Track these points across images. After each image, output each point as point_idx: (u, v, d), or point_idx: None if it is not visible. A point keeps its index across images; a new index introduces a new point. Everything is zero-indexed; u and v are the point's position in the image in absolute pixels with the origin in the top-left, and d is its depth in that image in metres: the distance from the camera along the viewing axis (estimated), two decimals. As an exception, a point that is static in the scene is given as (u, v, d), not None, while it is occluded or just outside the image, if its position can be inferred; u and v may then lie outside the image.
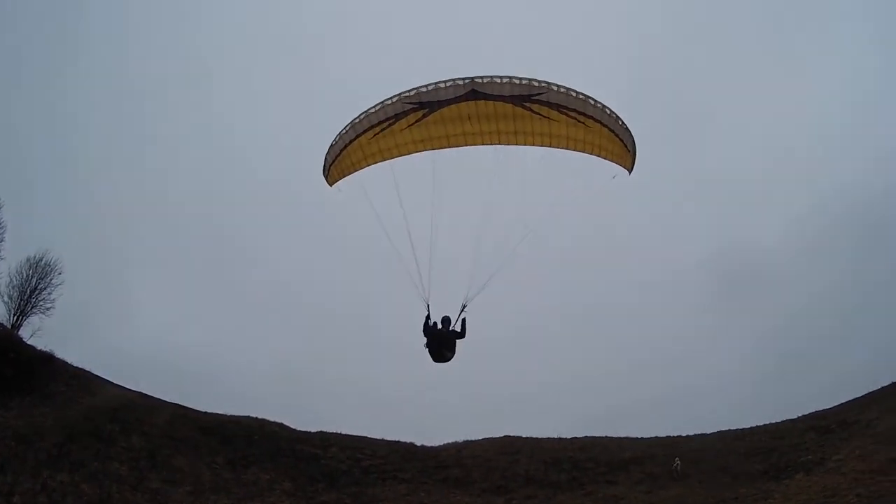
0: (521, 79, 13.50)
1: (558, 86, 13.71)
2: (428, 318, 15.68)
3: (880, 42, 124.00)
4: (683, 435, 36.29)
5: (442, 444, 36.72)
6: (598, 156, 14.89)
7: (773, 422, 36.03)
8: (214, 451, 28.38)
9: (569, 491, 30.66)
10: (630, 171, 15.26)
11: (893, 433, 28.07)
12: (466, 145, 14.68)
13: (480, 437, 37.31)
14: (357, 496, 31.25)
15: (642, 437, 36.41)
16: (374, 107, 14.25)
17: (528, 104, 13.98)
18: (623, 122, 14.25)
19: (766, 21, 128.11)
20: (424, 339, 15.48)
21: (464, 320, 15.76)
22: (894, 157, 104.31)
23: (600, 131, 14.34)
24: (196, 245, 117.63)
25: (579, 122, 14.18)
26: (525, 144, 14.60)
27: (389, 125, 14.43)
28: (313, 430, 34.37)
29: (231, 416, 33.49)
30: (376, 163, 15.34)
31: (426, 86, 13.75)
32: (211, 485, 25.72)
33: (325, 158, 15.63)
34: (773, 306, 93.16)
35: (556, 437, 37.11)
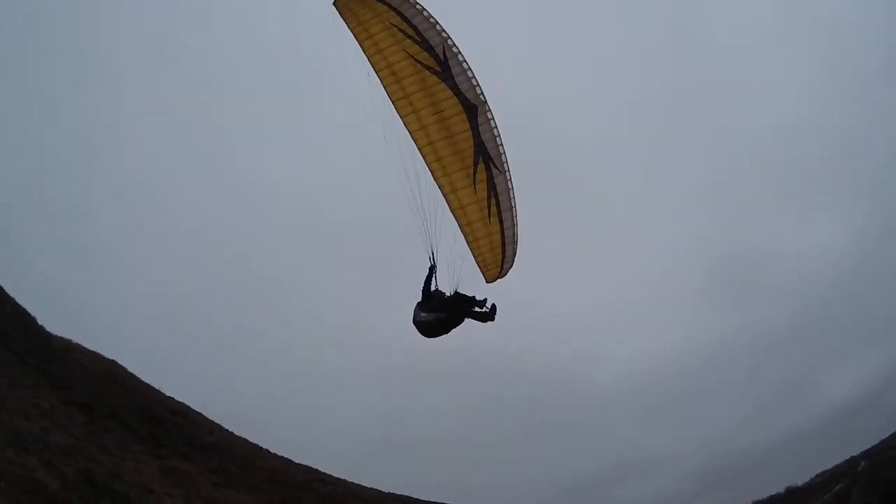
0: (482, 94, 11.89)
1: (502, 147, 12.18)
2: (432, 271, 12.56)
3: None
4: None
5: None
6: (466, 241, 12.81)
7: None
8: None
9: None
10: (487, 280, 13.42)
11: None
12: (383, 83, 12.46)
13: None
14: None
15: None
16: None
17: (463, 115, 11.94)
18: (515, 247, 12.80)
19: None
20: (423, 299, 12.51)
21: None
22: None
23: (490, 232, 12.50)
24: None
25: (486, 201, 12.19)
26: (416, 142, 12.43)
27: (397, 14, 11.95)
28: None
29: None
30: (353, 36, 12.34)
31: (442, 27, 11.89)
32: None
33: None
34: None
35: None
